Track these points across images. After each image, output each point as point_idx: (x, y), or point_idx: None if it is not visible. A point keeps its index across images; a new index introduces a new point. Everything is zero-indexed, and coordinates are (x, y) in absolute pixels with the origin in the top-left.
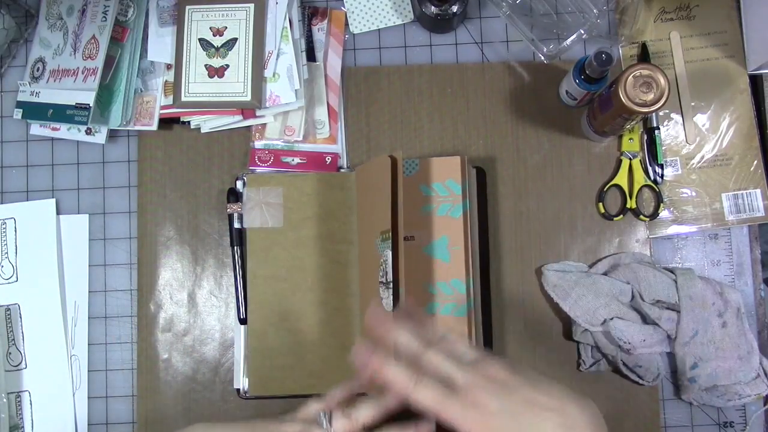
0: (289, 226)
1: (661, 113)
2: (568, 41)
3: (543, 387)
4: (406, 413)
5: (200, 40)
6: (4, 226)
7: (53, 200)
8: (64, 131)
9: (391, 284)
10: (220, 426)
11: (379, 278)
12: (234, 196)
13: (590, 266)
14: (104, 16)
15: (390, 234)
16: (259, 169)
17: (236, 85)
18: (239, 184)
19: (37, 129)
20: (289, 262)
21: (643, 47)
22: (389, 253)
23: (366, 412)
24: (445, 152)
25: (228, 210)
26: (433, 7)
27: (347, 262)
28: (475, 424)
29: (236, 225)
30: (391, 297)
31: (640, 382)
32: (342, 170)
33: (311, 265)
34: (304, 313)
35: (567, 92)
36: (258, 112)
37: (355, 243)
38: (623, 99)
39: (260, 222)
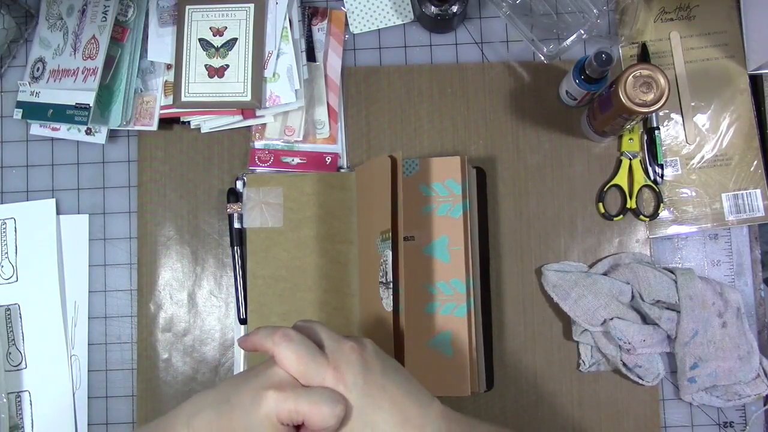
0: (289, 226)
1: (661, 113)
2: (568, 41)
3: (397, 379)
4: None
5: (200, 40)
6: (4, 226)
7: (53, 200)
8: (64, 131)
9: (391, 284)
10: (213, 391)
11: (380, 278)
12: (234, 196)
13: (590, 266)
14: (104, 16)
15: (390, 234)
16: (259, 169)
17: (236, 85)
18: (239, 184)
19: (37, 129)
20: (289, 262)
21: (643, 47)
22: (389, 253)
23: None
24: (445, 152)
25: (228, 210)
26: (433, 7)
27: (347, 262)
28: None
29: (236, 225)
30: (391, 297)
31: (640, 382)
32: (342, 170)
33: (311, 265)
34: (304, 313)
35: (567, 92)
36: (258, 112)
37: (355, 243)
38: (623, 99)
39: (260, 222)
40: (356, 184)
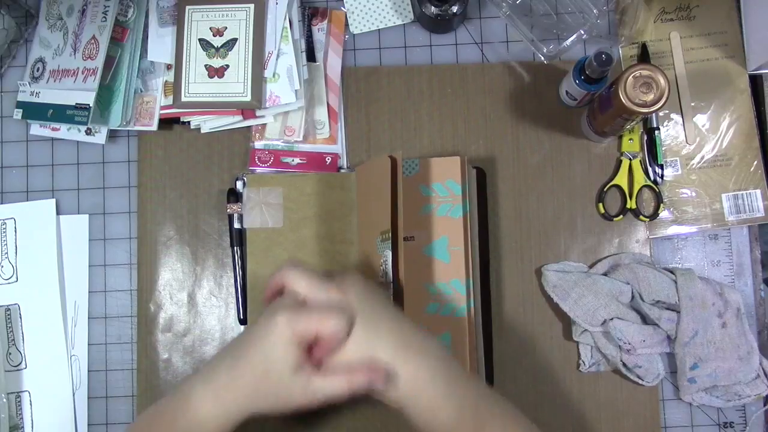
0: (289, 226)
1: (661, 113)
2: (568, 41)
3: (395, 309)
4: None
5: (200, 40)
6: (4, 226)
7: (53, 200)
8: (64, 131)
9: (392, 284)
10: (221, 349)
11: (379, 278)
12: (234, 196)
13: (590, 266)
14: (104, 16)
15: (390, 234)
16: (259, 170)
17: (236, 86)
18: (239, 185)
19: (37, 129)
20: None
21: (643, 47)
22: (389, 254)
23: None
24: (445, 152)
25: (228, 210)
26: (433, 8)
27: (347, 262)
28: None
29: (236, 225)
30: (391, 297)
31: (640, 382)
32: (342, 170)
33: (311, 265)
34: None
35: (567, 92)
36: (258, 113)
37: (355, 243)
38: (623, 99)
39: (260, 222)
40: (356, 184)
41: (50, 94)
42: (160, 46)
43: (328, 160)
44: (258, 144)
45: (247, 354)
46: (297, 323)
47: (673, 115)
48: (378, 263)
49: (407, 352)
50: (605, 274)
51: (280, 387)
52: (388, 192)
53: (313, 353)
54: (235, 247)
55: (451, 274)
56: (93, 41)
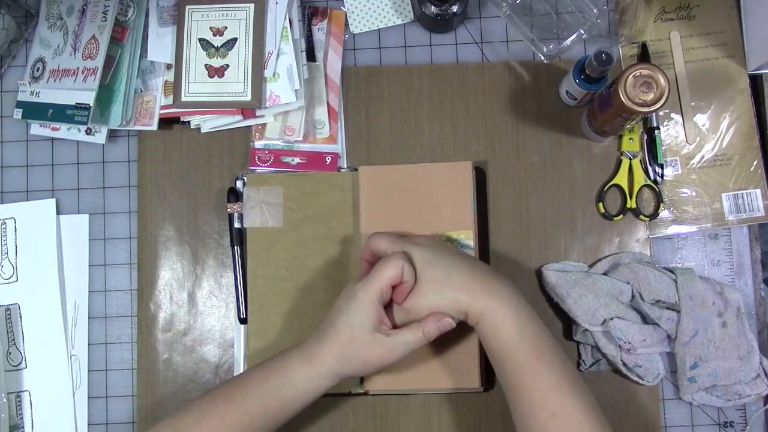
0: (289, 226)
1: (661, 113)
2: (568, 41)
3: (466, 255)
4: None
5: (200, 40)
6: (4, 226)
7: (53, 200)
8: (64, 131)
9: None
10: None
11: None
12: (234, 196)
13: (590, 266)
14: (104, 16)
15: (469, 234)
16: (259, 169)
17: (236, 85)
18: (239, 184)
19: (37, 129)
20: (289, 262)
21: (643, 47)
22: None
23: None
24: (445, 152)
25: (228, 210)
26: (433, 7)
27: (347, 262)
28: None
29: (236, 225)
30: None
31: (640, 382)
32: (342, 170)
33: (311, 265)
34: (304, 313)
35: (567, 92)
36: (258, 112)
37: (355, 243)
38: (623, 99)
39: (260, 222)
40: (370, 184)
41: (50, 93)
42: (160, 46)
43: (328, 159)
44: (258, 144)
45: (333, 324)
46: (370, 285)
47: (673, 115)
48: None
49: (481, 292)
50: (605, 274)
51: (364, 348)
52: (469, 196)
53: (394, 298)
54: (236, 247)
55: None
56: (93, 41)
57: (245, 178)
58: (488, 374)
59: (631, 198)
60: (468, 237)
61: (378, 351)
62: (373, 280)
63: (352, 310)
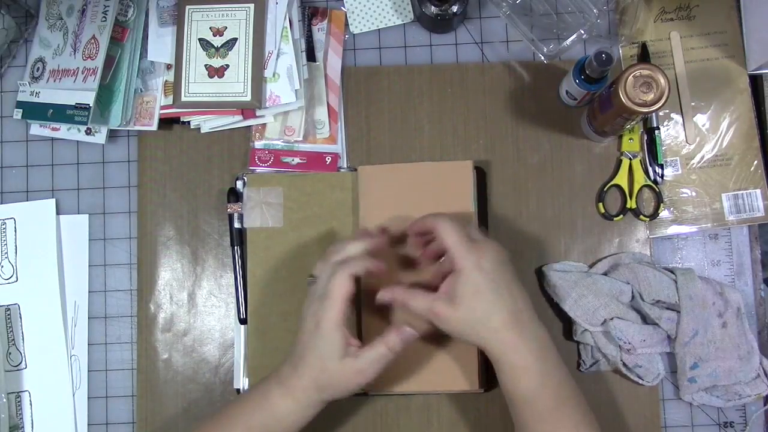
0: (289, 225)
1: (661, 113)
2: (568, 41)
3: (519, 286)
4: None
5: (200, 40)
6: (4, 226)
7: (53, 200)
8: (64, 131)
9: None
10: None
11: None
12: (234, 196)
13: (590, 266)
14: (104, 16)
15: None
16: (259, 169)
17: (236, 85)
18: (239, 184)
19: (37, 129)
20: (289, 262)
21: (643, 47)
22: None
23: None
24: (445, 152)
25: (228, 210)
26: (433, 7)
27: None
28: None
29: (236, 225)
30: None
31: (640, 382)
32: (342, 170)
33: (311, 265)
34: None
35: (567, 92)
36: (258, 112)
37: None
38: (623, 99)
39: (260, 222)
40: (360, 184)
41: (50, 93)
42: (160, 46)
43: (328, 160)
44: (258, 144)
45: (304, 359)
46: (329, 312)
47: (673, 115)
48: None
49: (511, 345)
50: (605, 274)
51: (337, 375)
52: (468, 197)
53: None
54: (236, 247)
55: None
56: (93, 41)
57: (245, 178)
58: (488, 375)
59: (631, 198)
60: None
61: (350, 375)
62: (331, 307)
63: (319, 344)
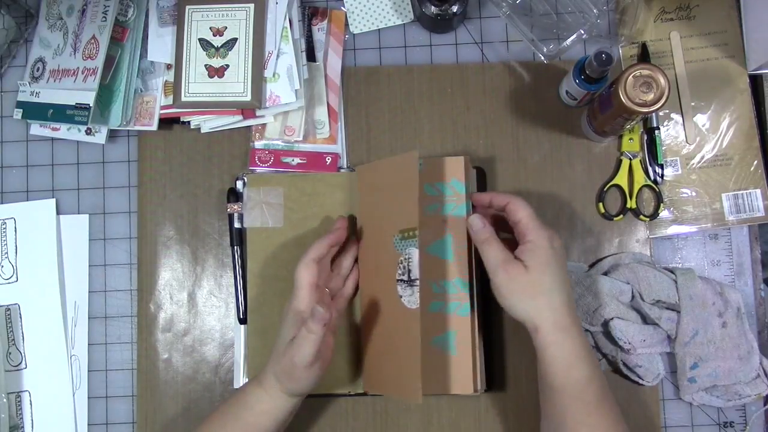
0: (289, 225)
1: (661, 113)
2: (568, 41)
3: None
4: None
5: (200, 40)
6: (4, 226)
7: (53, 200)
8: (64, 131)
9: (417, 282)
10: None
11: (398, 276)
12: (234, 196)
13: (590, 266)
14: (104, 16)
15: (415, 232)
16: (259, 169)
17: (236, 85)
18: (239, 184)
19: (37, 129)
20: (289, 262)
21: (643, 47)
22: (414, 251)
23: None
24: (445, 152)
25: (228, 210)
26: (433, 7)
27: None
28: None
29: (236, 225)
30: (416, 294)
31: (640, 382)
32: (342, 170)
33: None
34: None
35: (567, 92)
36: (258, 112)
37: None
38: (623, 99)
39: (260, 222)
40: (360, 183)
41: (50, 93)
42: (160, 46)
43: (328, 160)
44: (258, 144)
45: (274, 347)
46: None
47: (673, 115)
48: (394, 261)
49: (570, 306)
50: (605, 274)
51: (284, 361)
52: (415, 191)
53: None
54: (236, 247)
55: (455, 272)
56: (93, 41)
57: (245, 178)
58: (488, 376)
59: (631, 198)
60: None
61: (291, 362)
62: (296, 297)
63: (281, 333)
